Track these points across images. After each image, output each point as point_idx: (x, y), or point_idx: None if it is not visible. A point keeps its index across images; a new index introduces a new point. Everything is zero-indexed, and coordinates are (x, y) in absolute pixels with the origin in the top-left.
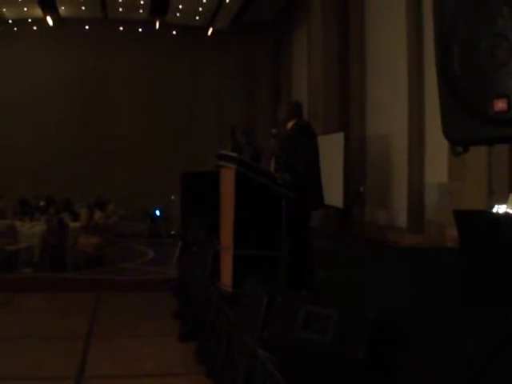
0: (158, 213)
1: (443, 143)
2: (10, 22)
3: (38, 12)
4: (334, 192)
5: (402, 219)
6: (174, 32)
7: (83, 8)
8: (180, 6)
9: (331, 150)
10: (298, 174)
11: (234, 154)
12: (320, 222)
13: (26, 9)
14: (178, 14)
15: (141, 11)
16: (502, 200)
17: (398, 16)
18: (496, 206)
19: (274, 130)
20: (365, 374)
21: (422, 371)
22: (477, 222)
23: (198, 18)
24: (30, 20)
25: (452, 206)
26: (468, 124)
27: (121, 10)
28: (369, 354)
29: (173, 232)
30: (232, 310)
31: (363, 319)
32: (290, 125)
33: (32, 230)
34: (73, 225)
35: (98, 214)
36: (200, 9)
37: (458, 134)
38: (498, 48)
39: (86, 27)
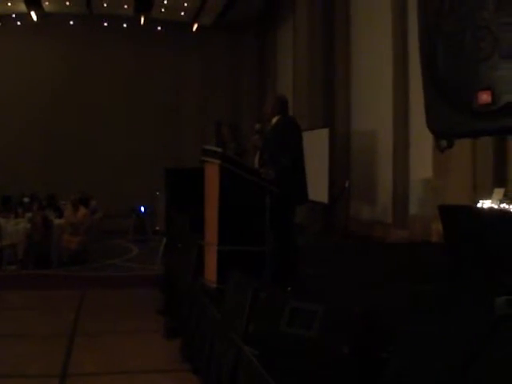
0: (142, 209)
1: (428, 139)
2: None
3: (22, 7)
4: (318, 187)
5: (386, 214)
6: (159, 28)
7: (67, 3)
8: (165, 2)
9: (316, 145)
10: (282, 169)
11: (219, 149)
12: (305, 218)
13: (9, 4)
14: (162, 10)
15: (125, 7)
16: (487, 195)
17: (383, 12)
18: (481, 201)
19: (257, 125)
20: (350, 369)
21: (407, 366)
22: (461, 217)
23: (182, 13)
24: (13, 15)
25: (437, 202)
26: (452, 117)
27: (105, 5)
28: (354, 349)
29: (157, 228)
30: (216, 305)
31: (348, 314)
32: (274, 120)
33: (16, 227)
34: (57, 221)
35: (82, 211)
36: (185, 4)
37: (442, 127)
38: (482, 41)
39: (71, 22)
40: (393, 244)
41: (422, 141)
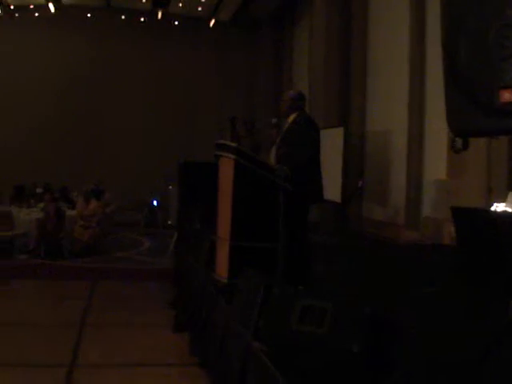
0: (155, 203)
1: (443, 140)
2: (12, 7)
3: None
4: (332, 187)
5: (399, 215)
6: (176, 22)
7: None
8: None
9: (330, 144)
10: (296, 166)
11: (234, 144)
12: (318, 217)
13: None
14: (180, 5)
15: (143, 1)
16: (501, 198)
17: (400, 12)
18: (494, 205)
19: (274, 120)
20: (359, 368)
21: (416, 366)
22: (474, 220)
23: (200, 9)
24: (31, 6)
25: (450, 204)
26: (473, 115)
27: None
28: (363, 348)
29: (169, 222)
30: (227, 301)
31: (358, 313)
32: (292, 117)
33: (28, 217)
34: (69, 213)
35: (93, 203)
36: (203, 0)
37: (462, 126)
38: (506, 39)
39: (88, 15)
40: (405, 245)
41: (436, 142)
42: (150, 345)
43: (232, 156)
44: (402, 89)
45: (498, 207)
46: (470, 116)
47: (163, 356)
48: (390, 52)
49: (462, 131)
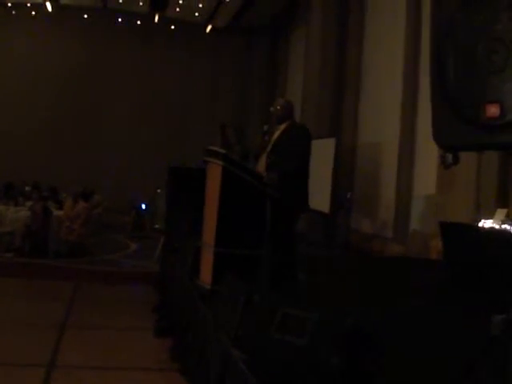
0: (143, 206)
1: (433, 155)
2: (10, 5)
3: None
4: (321, 197)
5: (387, 229)
6: (173, 27)
7: None
8: (180, 1)
9: (321, 155)
10: (284, 174)
11: (222, 151)
12: (305, 227)
13: None
14: (177, 9)
15: (141, 4)
16: (489, 215)
17: (396, 26)
18: (482, 221)
19: (265, 127)
20: (338, 381)
21: (396, 381)
22: (462, 235)
23: (197, 14)
24: (29, 5)
25: (438, 218)
26: (459, 129)
27: (120, 1)
28: (343, 361)
29: (157, 226)
30: (209, 307)
31: (340, 324)
32: (283, 126)
33: (16, 215)
34: (57, 213)
35: (81, 204)
36: (200, 5)
37: (448, 140)
38: (494, 53)
39: (85, 16)
40: (391, 258)
41: (426, 156)
42: (130, 349)
43: (220, 162)
44: (394, 103)
45: (486, 223)
46: (457, 130)
47: (143, 360)
48: (384, 66)
49: (448, 145)
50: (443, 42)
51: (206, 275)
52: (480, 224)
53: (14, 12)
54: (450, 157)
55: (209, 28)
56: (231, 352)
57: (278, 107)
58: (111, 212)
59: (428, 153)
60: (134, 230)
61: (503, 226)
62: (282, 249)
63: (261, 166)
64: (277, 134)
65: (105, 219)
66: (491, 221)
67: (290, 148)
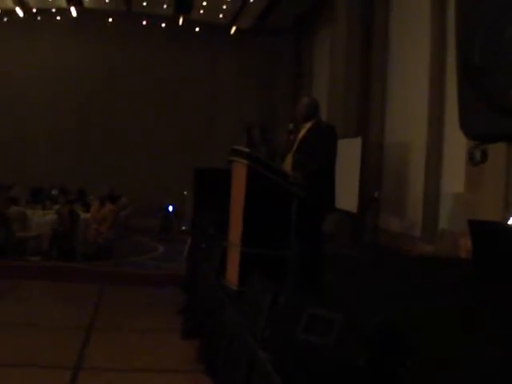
0: (170, 208)
1: (461, 153)
2: (35, 11)
3: (63, 2)
4: (348, 197)
5: (415, 228)
6: (197, 29)
7: (107, 0)
8: (204, 4)
9: (348, 154)
10: (309, 173)
11: (247, 150)
12: (333, 227)
13: None
14: (201, 11)
15: (165, 6)
16: None
17: (421, 24)
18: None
19: (291, 125)
20: (365, 382)
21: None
22: (492, 233)
23: (221, 15)
24: (53, 10)
25: (467, 217)
26: (487, 118)
27: (145, 4)
28: (370, 362)
29: (183, 228)
30: (236, 308)
31: (367, 325)
32: (308, 125)
33: (43, 219)
34: (84, 215)
35: (108, 207)
36: (224, 7)
37: (476, 129)
38: None
39: (110, 20)
40: (420, 257)
41: (455, 154)
42: (158, 350)
43: (245, 161)
44: (421, 101)
45: None
46: (485, 119)
47: (169, 362)
48: (410, 64)
49: (475, 135)
50: (469, 28)
51: (232, 275)
52: (510, 221)
53: (39, 18)
54: (478, 154)
55: (233, 29)
56: (257, 353)
57: (303, 105)
58: (138, 215)
59: (456, 151)
60: (162, 232)
61: None
62: (309, 249)
63: (287, 165)
64: (302, 132)
65: (132, 222)
66: None
67: (316, 147)
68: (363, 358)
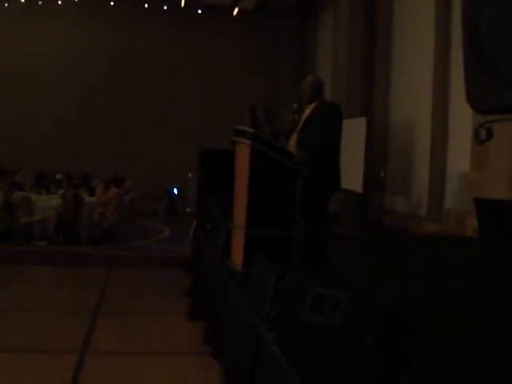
0: (175, 191)
1: (467, 131)
2: None
3: None
4: (354, 177)
5: (421, 208)
6: (200, 11)
7: None
8: None
9: (353, 134)
10: (314, 152)
11: (250, 130)
12: (339, 207)
13: None
14: None
15: None
16: None
17: (426, 3)
18: None
19: (295, 105)
20: (373, 362)
21: (432, 362)
22: (498, 211)
23: None
24: None
25: (473, 196)
26: (494, 90)
27: None
28: (378, 342)
29: (188, 209)
30: (241, 289)
31: (374, 305)
32: (313, 104)
33: (48, 203)
34: (88, 199)
35: (113, 190)
36: None
37: (482, 102)
38: None
39: (111, 3)
40: (426, 237)
41: (460, 133)
42: (164, 333)
43: (248, 142)
44: (426, 79)
45: None
46: (493, 91)
47: (177, 344)
48: (414, 43)
49: (482, 109)
50: (476, 1)
51: (237, 257)
52: None
53: (39, 2)
54: (483, 132)
55: (236, 10)
56: (263, 334)
57: (308, 85)
58: (143, 198)
59: (462, 130)
60: (167, 215)
61: None
62: (314, 229)
63: (291, 145)
64: (307, 112)
65: (137, 205)
66: None
67: (321, 126)
68: (371, 338)
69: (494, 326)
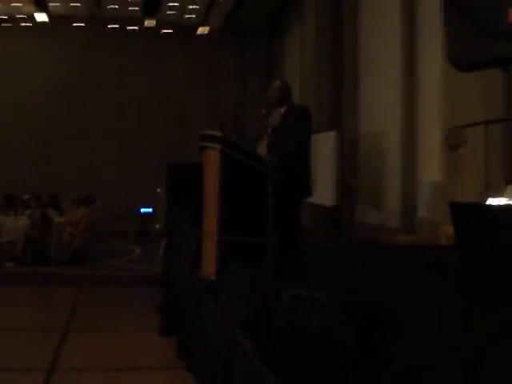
0: (146, 210)
1: (437, 140)
2: (2, 17)
3: (31, 8)
4: (325, 191)
5: (393, 219)
6: (167, 30)
7: (75, 4)
8: (173, 4)
9: (323, 148)
10: (285, 155)
11: (219, 133)
12: (310, 221)
13: (18, 4)
14: (170, 12)
15: (133, 8)
16: (498, 195)
17: (391, 16)
18: (490, 199)
19: (263, 111)
20: (353, 362)
21: (415, 361)
22: (474, 214)
23: (190, 16)
24: (20, 16)
25: (446, 204)
26: (477, 42)
27: (113, 7)
28: (358, 340)
29: (157, 226)
30: (214, 297)
31: (353, 302)
32: (282, 109)
33: (15, 224)
34: (57, 219)
35: (82, 210)
36: (193, 7)
37: (465, 57)
38: None
39: (78, 24)
40: (401, 246)
41: (431, 142)
42: (135, 349)
43: (217, 146)
44: (394, 90)
45: (495, 201)
46: (475, 44)
47: (148, 360)
48: (381, 53)
49: (465, 64)
50: None
51: (209, 266)
52: (488, 202)
53: (4, 24)
54: (456, 137)
55: (203, 29)
56: (238, 340)
57: (276, 88)
58: (114, 219)
59: (432, 139)
60: (138, 235)
61: None
62: (287, 234)
63: (260, 150)
64: (276, 117)
65: (108, 227)
66: (501, 199)
67: (292, 129)
68: (351, 337)
69: (476, 326)
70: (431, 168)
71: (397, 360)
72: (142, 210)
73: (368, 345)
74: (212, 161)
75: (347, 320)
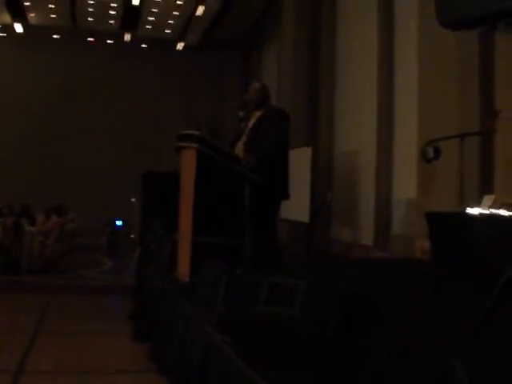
0: (118, 223)
1: (412, 157)
2: None
3: (7, 18)
4: (300, 207)
5: (368, 236)
6: (144, 45)
7: (53, 16)
8: (151, 19)
9: (298, 164)
10: (264, 156)
11: (196, 132)
12: (285, 239)
13: None
14: (148, 27)
15: (111, 22)
16: (475, 204)
17: (368, 37)
18: (468, 208)
19: (241, 113)
20: (335, 352)
21: (397, 351)
22: (451, 224)
23: (168, 31)
24: None
25: (420, 220)
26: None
27: (91, 20)
28: (340, 330)
29: (132, 236)
30: (188, 299)
31: (334, 290)
32: (260, 111)
33: None
34: (29, 229)
35: (54, 219)
36: (171, 22)
37: (454, 14)
38: None
39: (55, 36)
40: (376, 260)
41: (405, 160)
42: (106, 353)
43: (194, 145)
44: (370, 108)
45: (472, 210)
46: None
47: (119, 363)
48: (357, 72)
49: (454, 22)
50: None
51: (183, 268)
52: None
53: None
54: (431, 150)
55: (180, 45)
56: (213, 337)
57: (255, 90)
58: (86, 231)
59: (407, 153)
60: (110, 248)
61: (490, 211)
62: (264, 236)
63: (237, 151)
64: (254, 120)
65: (80, 239)
66: (478, 209)
67: (270, 131)
68: (333, 326)
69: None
70: (406, 184)
71: (378, 350)
72: (117, 222)
73: (349, 334)
74: (188, 161)
75: (328, 309)
